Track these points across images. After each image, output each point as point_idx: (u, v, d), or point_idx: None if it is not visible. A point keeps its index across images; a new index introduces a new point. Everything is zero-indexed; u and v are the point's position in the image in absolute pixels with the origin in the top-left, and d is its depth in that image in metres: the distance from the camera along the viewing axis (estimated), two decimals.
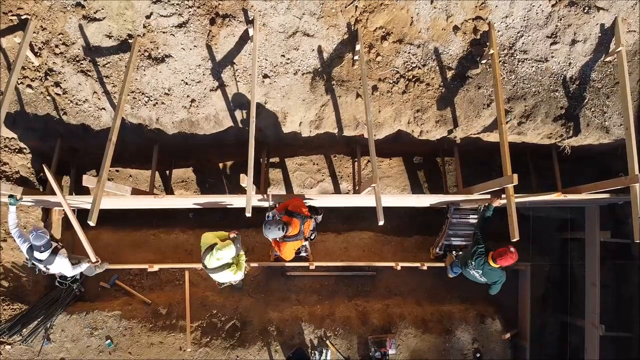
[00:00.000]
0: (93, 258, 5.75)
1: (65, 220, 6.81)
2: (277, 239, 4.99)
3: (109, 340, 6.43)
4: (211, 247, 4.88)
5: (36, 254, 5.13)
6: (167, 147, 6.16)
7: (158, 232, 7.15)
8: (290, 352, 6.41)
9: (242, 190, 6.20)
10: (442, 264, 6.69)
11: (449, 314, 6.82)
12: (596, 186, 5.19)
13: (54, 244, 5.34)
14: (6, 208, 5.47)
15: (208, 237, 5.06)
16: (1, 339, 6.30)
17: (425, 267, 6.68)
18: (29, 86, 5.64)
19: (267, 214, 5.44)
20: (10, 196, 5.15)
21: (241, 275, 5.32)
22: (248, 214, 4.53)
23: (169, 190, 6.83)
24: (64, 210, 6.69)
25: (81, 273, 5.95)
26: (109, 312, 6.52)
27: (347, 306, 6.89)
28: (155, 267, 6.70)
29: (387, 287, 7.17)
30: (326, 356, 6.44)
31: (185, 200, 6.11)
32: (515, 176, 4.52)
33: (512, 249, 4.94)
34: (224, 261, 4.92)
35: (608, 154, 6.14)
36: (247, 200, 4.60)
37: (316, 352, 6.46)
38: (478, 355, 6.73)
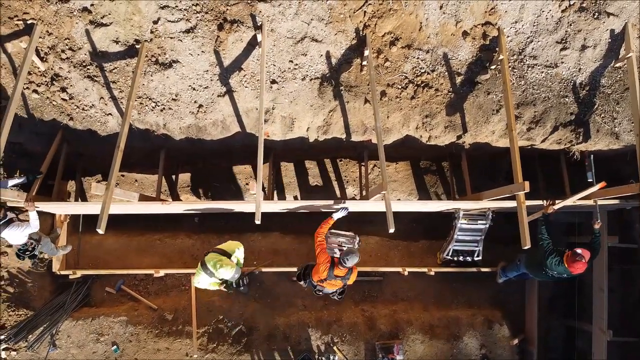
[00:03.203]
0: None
1: (71, 225, 6.79)
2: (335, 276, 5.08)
3: (115, 346, 6.41)
4: (224, 253, 5.06)
5: None
6: (174, 152, 6.14)
7: (163, 236, 7.12)
8: (298, 358, 6.38)
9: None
10: (450, 269, 6.68)
11: (456, 319, 6.79)
12: (607, 192, 5.17)
13: (11, 216, 5.31)
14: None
15: (234, 246, 5.39)
16: (7, 345, 6.27)
17: (432, 273, 6.65)
18: (35, 91, 5.61)
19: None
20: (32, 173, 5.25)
21: (209, 287, 5.47)
22: (258, 221, 4.50)
23: (174, 195, 6.80)
24: (69, 215, 6.71)
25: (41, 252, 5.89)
26: (115, 318, 6.50)
27: (353, 311, 6.86)
28: (161, 273, 6.68)
29: (393, 292, 7.14)
30: None
31: (193, 206, 6.07)
32: (527, 183, 4.50)
33: (584, 259, 5.12)
34: (214, 273, 5.10)
35: (617, 158, 6.12)
36: (256, 207, 4.58)
37: (323, 358, 6.45)
38: None
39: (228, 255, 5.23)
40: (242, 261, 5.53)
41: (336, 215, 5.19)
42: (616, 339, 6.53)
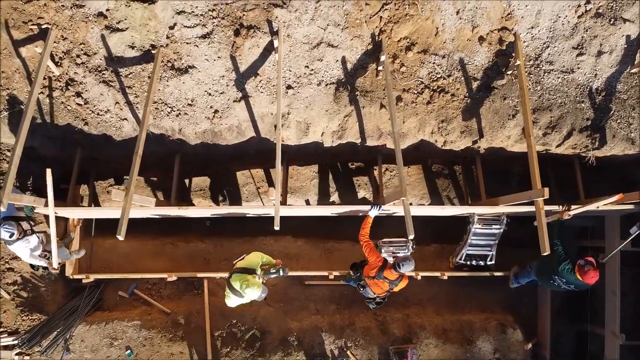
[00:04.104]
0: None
1: (84, 229, 6.79)
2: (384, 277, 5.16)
3: (129, 351, 6.41)
4: (249, 271, 4.97)
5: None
6: (189, 157, 6.13)
7: (176, 240, 7.12)
8: None
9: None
10: (463, 274, 6.68)
11: (470, 323, 6.80)
12: (625, 197, 5.16)
13: (26, 229, 5.30)
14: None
15: (254, 260, 5.22)
16: (21, 350, 6.27)
17: (445, 277, 6.65)
18: (49, 96, 5.61)
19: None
20: (27, 208, 5.13)
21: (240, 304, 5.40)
22: (277, 227, 4.51)
23: (188, 199, 6.80)
24: (82, 219, 6.71)
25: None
26: (129, 322, 6.50)
27: (366, 316, 6.86)
28: (174, 277, 6.67)
29: (406, 296, 7.13)
30: None
31: (210, 211, 6.07)
32: (546, 190, 4.50)
33: (592, 265, 5.14)
34: (243, 295, 5.05)
35: (630, 163, 6.12)
36: (275, 212, 4.58)
37: None
38: None
39: (252, 271, 5.14)
40: (272, 259, 5.45)
41: (372, 213, 5.22)
42: (629, 342, 6.51)
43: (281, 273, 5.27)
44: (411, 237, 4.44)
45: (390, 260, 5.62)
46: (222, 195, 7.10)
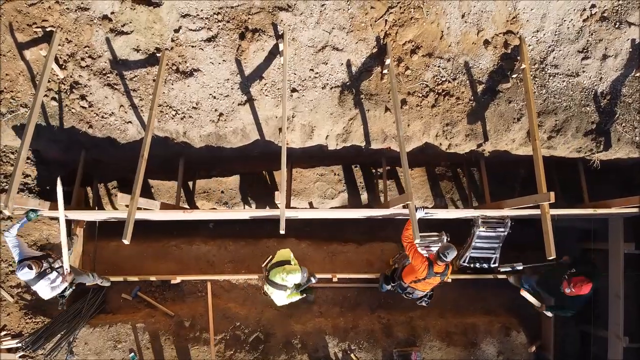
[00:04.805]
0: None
1: (87, 232, 6.78)
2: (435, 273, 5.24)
3: (132, 353, 6.40)
4: (283, 264, 5.03)
5: (20, 271, 5.02)
6: (193, 160, 6.13)
7: (179, 242, 7.11)
8: None
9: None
10: (467, 276, 6.69)
11: (473, 326, 6.80)
12: (629, 201, 5.19)
13: (45, 268, 5.22)
14: (16, 219, 5.40)
15: (285, 253, 5.31)
16: (24, 353, 6.26)
17: (449, 280, 6.64)
18: (54, 99, 5.60)
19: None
20: (32, 211, 5.07)
21: (288, 301, 5.43)
22: (282, 231, 4.50)
23: (191, 202, 6.80)
24: (85, 221, 6.70)
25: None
26: (132, 325, 6.48)
27: (370, 318, 6.86)
28: (178, 279, 6.67)
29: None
30: None
31: (215, 214, 6.08)
32: (552, 194, 4.51)
33: (578, 281, 5.29)
34: (286, 284, 5.07)
35: (634, 167, 6.13)
36: (281, 216, 4.58)
37: None
38: None
39: (286, 262, 5.21)
40: (298, 297, 5.56)
41: (418, 215, 5.11)
42: (632, 345, 6.54)
43: (313, 280, 5.38)
44: (417, 241, 4.45)
45: (426, 253, 5.63)
46: (225, 198, 7.10)
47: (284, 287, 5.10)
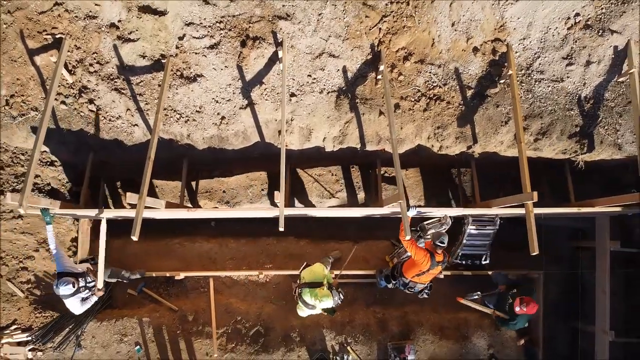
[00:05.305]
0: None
1: (93, 230, 7.04)
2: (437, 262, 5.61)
3: (138, 347, 6.66)
4: (315, 286, 5.51)
5: (60, 287, 5.37)
6: (196, 161, 6.39)
7: (182, 240, 7.36)
8: (314, 358, 6.65)
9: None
10: (459, 272, 6.95)
11: (465, 320, 7.06)
12: (611, 200, 5.44)
13: (81, 286, 5.59)
14: (41, 221, 5.64)
15: (320, 272, 5.76)
16: (34, 346, 6.52)
17: (442, 276, 6.89)
18: (63, 102, 5.85)
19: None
20: (44, 211, 5.26)
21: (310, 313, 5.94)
22: (281, 229, 4.76)
23: (194, 201, 7.05)
24: (92, 220, 6.96)
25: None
26: (138, 319, 6.74)
27: (366, 313, 7.12)
28: (182, 275, 6.94)
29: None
30: None
31: (218, 213, 6.33)
32: (535, 193, 4.77)
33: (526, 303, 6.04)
34: (315, 307, 5.58)
35: (618, 168, 6.38)
36: (280, 214, 4.83)
37: (337, 357, 6.71)
38: None
39: (319, 284, 5.61)
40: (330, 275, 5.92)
41: (409, 214, 5.29)
42: (618, 339, 6.76)
43: (341, 296, 5.68)
44: (407, 237, 4.72)
45: (422, 244, 5.88)
46: (226, 197, 7.35)
47: (314, 307, 5.61)
